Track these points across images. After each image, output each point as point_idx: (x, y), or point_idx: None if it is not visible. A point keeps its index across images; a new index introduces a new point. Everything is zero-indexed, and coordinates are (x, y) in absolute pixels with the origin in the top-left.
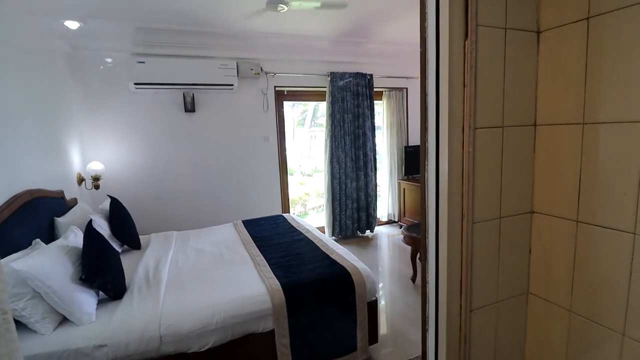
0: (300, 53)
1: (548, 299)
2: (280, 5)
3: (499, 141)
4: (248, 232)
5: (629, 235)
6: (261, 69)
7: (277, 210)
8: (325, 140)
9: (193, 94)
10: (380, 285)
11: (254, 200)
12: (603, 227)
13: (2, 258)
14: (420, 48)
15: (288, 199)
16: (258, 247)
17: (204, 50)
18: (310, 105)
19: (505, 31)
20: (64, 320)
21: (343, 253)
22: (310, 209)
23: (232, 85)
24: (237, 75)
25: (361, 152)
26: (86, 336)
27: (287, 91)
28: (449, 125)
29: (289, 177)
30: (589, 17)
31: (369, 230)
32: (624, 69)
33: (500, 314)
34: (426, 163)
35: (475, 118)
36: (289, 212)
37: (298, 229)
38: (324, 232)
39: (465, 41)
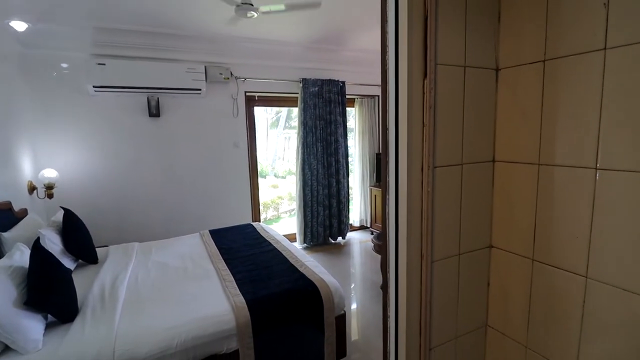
0: (271, 58)
1: (505, 333)
2: (250, 12)
3: (457, 179)
4: (215, 243)
5: (581, 279)
6: (231, 74)
7: (247, 218)
8: (297, 147)
9: (158, 98)
10: (352, 295)
11: (223, 208)
12: (557, 267)
13: None
14: (381, 82)
15: (259, 207)
16: (225, 260)
17: (171, 53)
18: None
19: (465, 69)
20: (6, 349)
21: (312, 266)
22: (283, 212)
23: (199, 89)
24: (206, 80)
25: (333, 158)
26: None
27: (258, 96)
28: (408, 165)
29: (262, 180)
30: (545, 59)
31: (340, 237)
32: (576, 115)
33: (460, 348)
34: (387, 198)
35: (435, 157)
36: (259, 220)
37: (267, 239)
38: (295, 240)
39: (424, 80)
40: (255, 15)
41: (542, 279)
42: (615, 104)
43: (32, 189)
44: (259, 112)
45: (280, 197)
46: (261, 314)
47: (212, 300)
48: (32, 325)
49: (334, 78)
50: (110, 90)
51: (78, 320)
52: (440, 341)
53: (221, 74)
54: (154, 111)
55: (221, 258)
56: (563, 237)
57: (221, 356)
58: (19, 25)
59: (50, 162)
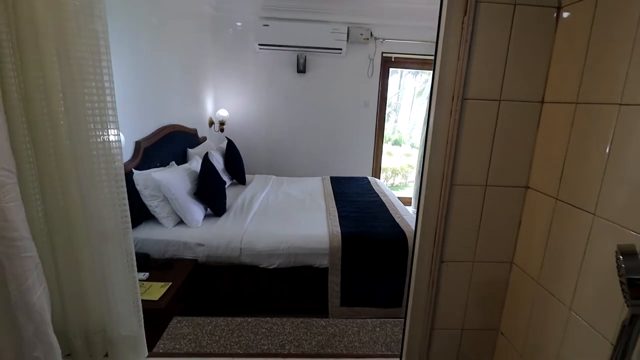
0: (413, 18)
1: (525, 270)
2: None
3: (492, 113)
4: (332, 187)
5: (589, 216)
6: (371, 34)
7: (367, 174)
8: (425, 113)
9: (305, 56)
10: None
11: (346, 161)
12: (569, 204)
13: (147, 170)
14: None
15: (380, 166)
16: (336, 201)
17: (319, 15)
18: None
19: (515, 7)
20: (180, 222)
21: (410, 220)
22: (410, 181)
23: (340, 49)
24: (347, 40)
25: None
26: (192, 235)
27: (395, 58)
28: (438, 95)
29: (397, 147)
30: None
31: None
32: None
33: (478, 272)
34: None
35: (466, 90)
36: (379, 178)
37: (377, 191)
38: (409, 204)
39: (464, 17)
40: None
41: (558, 217)
42: None
43: (210, 123)
44: (408, 79)
45: (410, 166)
46: (351, 244)
47: (316, 226)
48: (197, 210)
49: None
50: (270, 48)
51: (224, 216)
52: (453, 258)
53: (362, 34)
54: (301, 68)
55: (333, 198)
56: (579, 175)
57: (314, 269)
58: None
59: (224, 103)
